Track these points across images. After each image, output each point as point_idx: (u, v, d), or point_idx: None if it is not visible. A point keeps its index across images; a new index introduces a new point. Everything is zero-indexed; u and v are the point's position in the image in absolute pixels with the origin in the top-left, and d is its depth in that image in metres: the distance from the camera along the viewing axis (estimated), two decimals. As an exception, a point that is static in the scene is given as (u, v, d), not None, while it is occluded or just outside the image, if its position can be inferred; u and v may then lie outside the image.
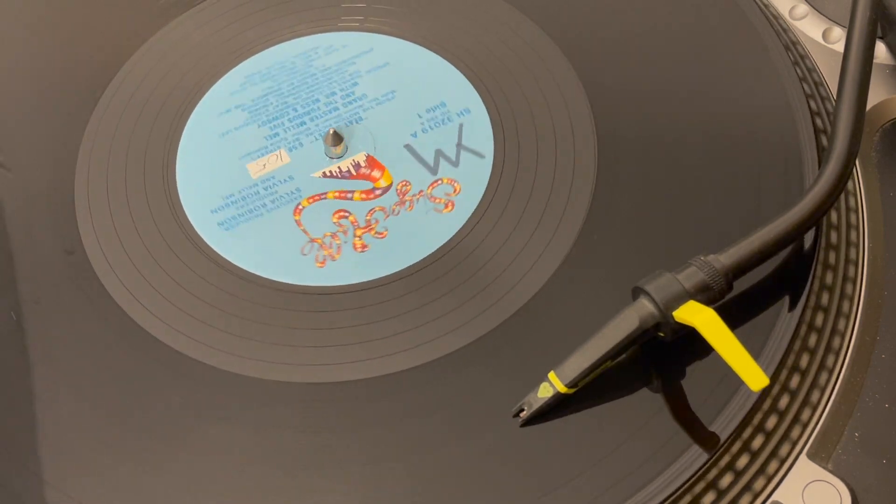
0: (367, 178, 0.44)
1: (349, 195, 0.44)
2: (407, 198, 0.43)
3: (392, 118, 0.46)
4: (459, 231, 0.42)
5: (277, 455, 0.37)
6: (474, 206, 0.43)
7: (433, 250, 0.42)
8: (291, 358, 0.39)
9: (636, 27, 0.47)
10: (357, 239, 0.42)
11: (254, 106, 0.47)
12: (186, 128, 0.47)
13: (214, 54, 0.49)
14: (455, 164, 0.44)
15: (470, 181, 0.44)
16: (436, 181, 0.44)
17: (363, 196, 0.44)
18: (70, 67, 0.49)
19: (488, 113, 0.46)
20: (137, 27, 0.50)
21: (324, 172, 0.45)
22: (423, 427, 0.37)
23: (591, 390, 0.37)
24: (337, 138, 0.45)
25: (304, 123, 0.46)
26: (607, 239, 0.41)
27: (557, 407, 0.36)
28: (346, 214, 0.43)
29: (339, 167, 0.45)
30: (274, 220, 0.44)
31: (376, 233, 0.43)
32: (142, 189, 0.45)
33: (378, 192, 0.44)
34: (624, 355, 0.37)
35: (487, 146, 0.44)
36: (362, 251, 0.42)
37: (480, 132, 0.45)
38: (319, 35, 0.49)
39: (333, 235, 0.43)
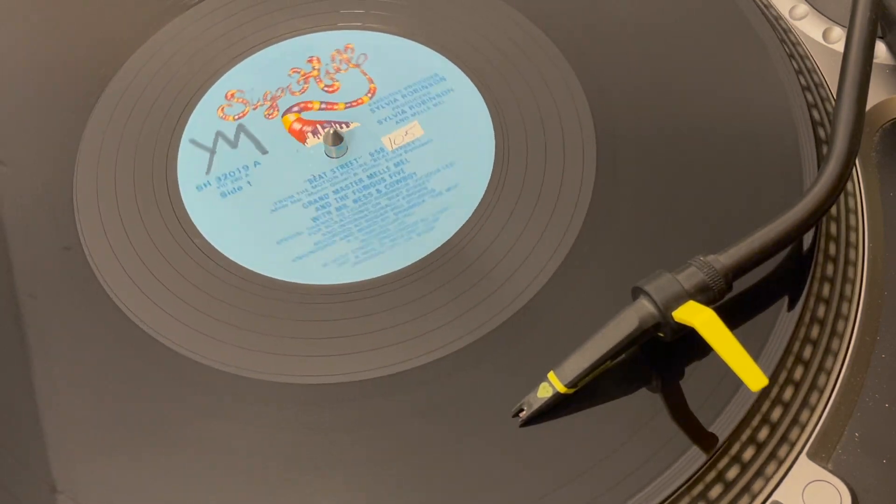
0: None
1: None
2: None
3: None
4: (459, 231, 0.42)
5: (277, 455, 0.37)
6: (474, 207, 0.43)
7: (433, 250, 0.42)
8: (291, 358, 0.39)
9: (636, 27, 0.47)
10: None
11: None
12: (186, 128, 0.47)
13: (214, 54, 0.49)
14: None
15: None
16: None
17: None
18: (70, 67, 0.49)
19: (488, 112, 0.45)
20: (137, 27, 0.50)
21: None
22: (423, 427, 0.37)
23: (591, 391, 0.37)
24: (337, 138, 0.45)
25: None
26: (607, 239, 0.41)
27: (557, 407, 0.36)
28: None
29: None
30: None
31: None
32: (140, 187, 0.45)
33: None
34: (623, 355, 0.37)
35: (488, 146, 0.44)
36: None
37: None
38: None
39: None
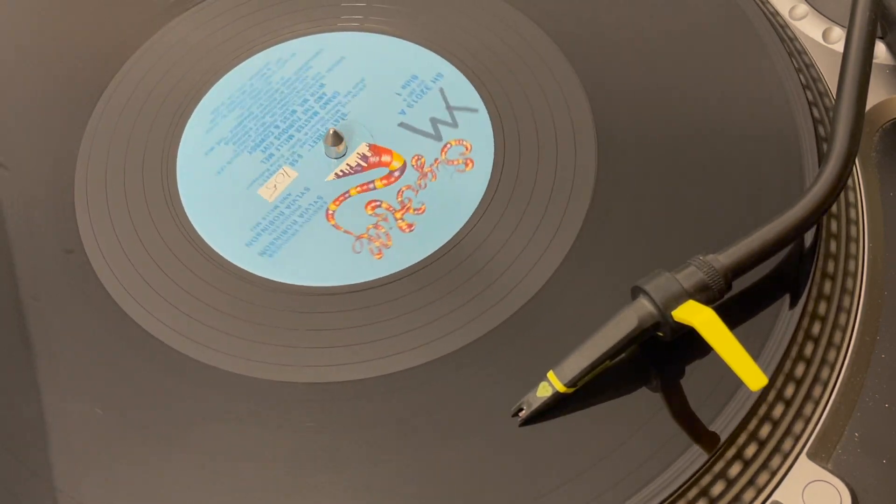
0: (379, 164, 0.45)
1: (371, 185, 0.44)
2: (426, 169, 0.44)
3: (373, 104, 0.47)
4: (460, 231, 0.42)
5: (277, 455, 0.37)
6: (475, 206, 0.43)
7: (433, 250, 0.42)
8: (291, 358, 0.39)
9: (636, 27, 0.47)
10: (400, 221, 0.43)
11: (234, 136, 0.46)
12: (186, 127, 0.47)
13: (214, 54, 0.49)
14: (454, 125, 0.45)
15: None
16: (445, 146, 0.44)
17: (385, 182, 0.44)
18: (70, 67, 0.49)
19: (488, 113, 0.46)
20: (137, 27, 0.50)
21: (336, 174, 0.45)
22: (423, 427, 0.37)
23: (591, 390, 0.37)
24: (337, 138, 0.45)
25: (293, 136, 0.46)
26: (607, 238, 0.41)
27: (557, 407, 0.36)
28: (378, 203, 0.43)
29: (347, 164, 0.45)
30: (312, 232, 0.43)
31: (415, 210, 0.43)
32: (141, 188, 0.45)
33: (396, 173, 0.44)
34: (623, 355, 0.37)
35: (487, 145, 0.45)
36: (410, 231, 0.42)
37: (465, 94, 0.46)
38: (270, 49, 0.49)
39: (377, 225, 0.43)
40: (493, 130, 0.45)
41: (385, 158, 0.45)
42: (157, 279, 0.42)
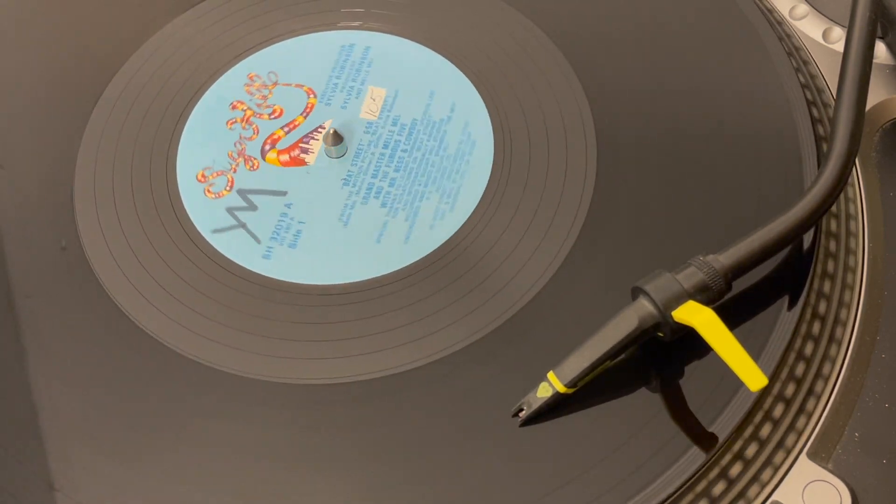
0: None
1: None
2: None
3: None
4: (459, 231, 0.42)
5: (277, 455, 0.37)
6: (474, 207, 0.43)
7: (432, 250, 0.42)
8: (290, 358, 0.39)
9: (635, 27, 0.47)
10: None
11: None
12: (186, 127, 0.47)
13: (215, 54, 0.49)
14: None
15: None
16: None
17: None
18: (68, 70, 0.49)
19: (488, 113, 0.45)
20: (137, 27, 0.50)
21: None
22: (423, 427, 0.37)
23: (591, 390, 0.37)
24: (337, 138, 0.45)
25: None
26: (607, 238, 0.41)
27: (557, 407, 0.36)
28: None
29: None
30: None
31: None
32: (140, 188, 0.45)
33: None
34: (623, 355, 0.37)
35: (487, 145, 0.45)
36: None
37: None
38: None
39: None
40: (493, 130, 0.45)
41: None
42: (153, 277, 0.42)
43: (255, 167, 0.45)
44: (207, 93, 0.48)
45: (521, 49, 0.47)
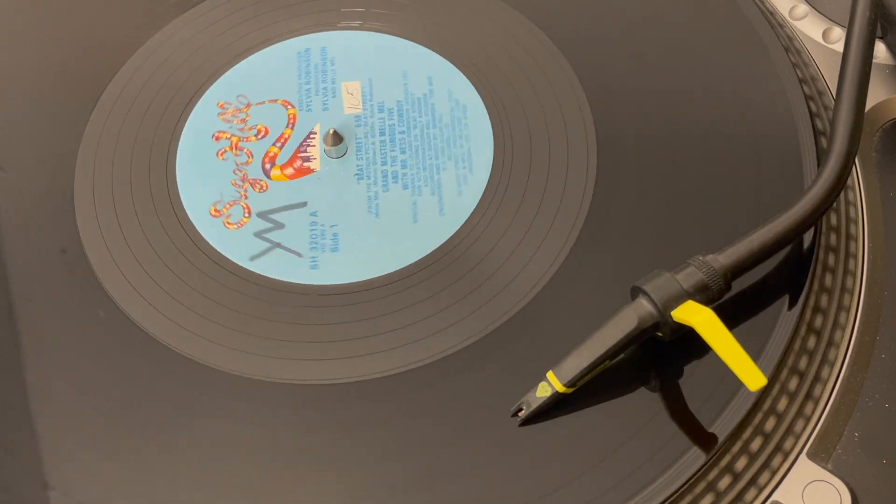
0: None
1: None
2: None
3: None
4: (459, 231, 0.42)
5: (276, 455, 0.37)
6: (474, 207, 0.43)
7: (432, 250, 0.42)
8: (290, 358, 0.39)
9: (636, 27, 0.47)
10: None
11: None
12: (186, 127, 0.47)
13: (214, 54, 0.49)
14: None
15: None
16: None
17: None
18: (67, 71, 0.49)
19: (488, 113, 0.46)
20: (137, 27, 0.50)
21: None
22: (423, 427, 0.37)
23: (591, 391, 0.37)
24: (337, 138, 0.45)
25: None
26: (607, 238, 0.41)
27: (557, 407, 0.36)
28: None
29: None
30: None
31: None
32: (140, 188, 0.45)
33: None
34: (622, 355, 0.36)
35: (487, 145, 0.45)
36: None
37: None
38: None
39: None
40: (493, 130, 0.45)
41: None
42: (153, 278, 0.42)
43: (264, 188, 0.45)
44: (185, 129, 0.47)
45: (520, 49, 0.47)
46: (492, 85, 0.46)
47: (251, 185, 0.45)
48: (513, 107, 0.46)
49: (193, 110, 0.47)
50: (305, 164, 0.45)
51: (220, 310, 0.41)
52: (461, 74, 0.47)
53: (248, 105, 0.47)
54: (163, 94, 0.48)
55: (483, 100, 0.46)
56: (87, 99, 0.48)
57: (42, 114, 0.48)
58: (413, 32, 0.49)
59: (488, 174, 0.44)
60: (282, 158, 0.45)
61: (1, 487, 0.37)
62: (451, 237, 0.42)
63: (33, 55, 0.50)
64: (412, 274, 0.41)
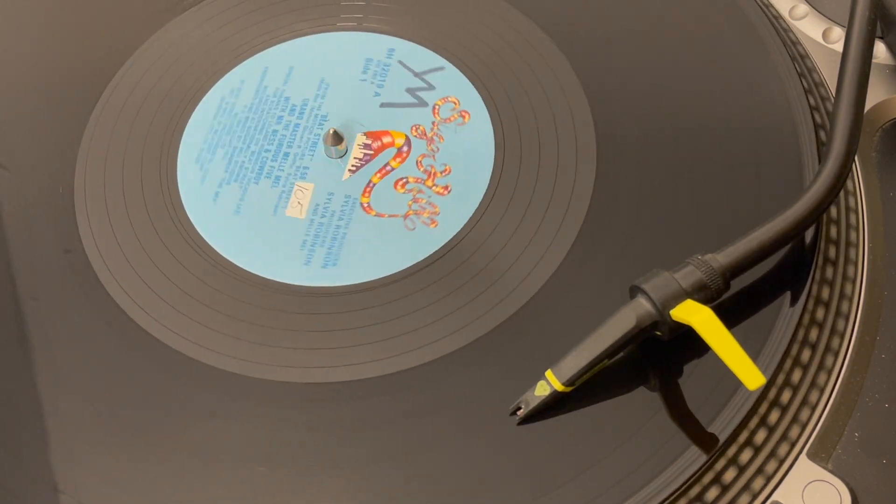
0: (384, 147, 0.45)
1: (389, 168, 0.44)
2: (430, 134, 0.45)
3: (346, 97, 0.47)
4: (459, 231, 0.42)
5: (277, 455, 0.37)
6: (474, 207, 0.43)
7: (433, 251, 0.42)
8: (290, 358, 0.39)
9: (635, 27, 0.47)
10: (435, 187, 0.43)
11: (232, 174, 0.45)
12: (187, 128, 0.47)
13: (214, 53, 0.49)
14: (430, 87, 0.46)
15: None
16: (434, 108, 0.46)
17: (399, 160, 0.45)
18: (70, 67, 0.49)
19: (488, 113, 0.46)
20: (137, 27, 0.50)
21: (349, 170, 0.45)
22: (423, 427, 0.37)
23: (590, 390, 0.37)
24: (337, 138, 0.45)
25: (288, 153, 0.46)
26: (606, 237, 0.41)
27: (556, 407, 0.36)
28: (405, 179, 0.44)
29: (356, 158, 0.45)
30: (360, 229, 0.43)
31: (441, 173, 0.44)
32: (140, 188, 0.45)
33: (405, 148, 0.45)
34: (621, 354, 0.36)
35: (487, 145, 0.45)
36: (448, 192, 0.43)
37: (424, 58, 0.47)
38: (218, 84, 0.48)
39: (415, 199, 0.43)
40: (493, 130, 0.45)
41: (386, 140, 0.45)
42: (156, 279, 0.42)
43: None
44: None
45: (520, 48, 0.47)
46: (492, 84, 0.46)
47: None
48: (512, 106, 0.46)
49: (196, 109, 0.47)
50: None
51: (222, 310, 0.41)
52: (461, 75, 0.47)
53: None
54: (164, 94, 0.48)
55: (483, 100, 0.46)
56: (90, 97, 0.48)
57: (45, 112, 0.48)
58: (413, 33, 0.49)
59: (488, 174, 0.44)
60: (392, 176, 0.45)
61: (3, 489, 0.37)
62: (451, 237, 0.42)
63: (34, 55, 0.51)
64: (412, 274, 0.41)
